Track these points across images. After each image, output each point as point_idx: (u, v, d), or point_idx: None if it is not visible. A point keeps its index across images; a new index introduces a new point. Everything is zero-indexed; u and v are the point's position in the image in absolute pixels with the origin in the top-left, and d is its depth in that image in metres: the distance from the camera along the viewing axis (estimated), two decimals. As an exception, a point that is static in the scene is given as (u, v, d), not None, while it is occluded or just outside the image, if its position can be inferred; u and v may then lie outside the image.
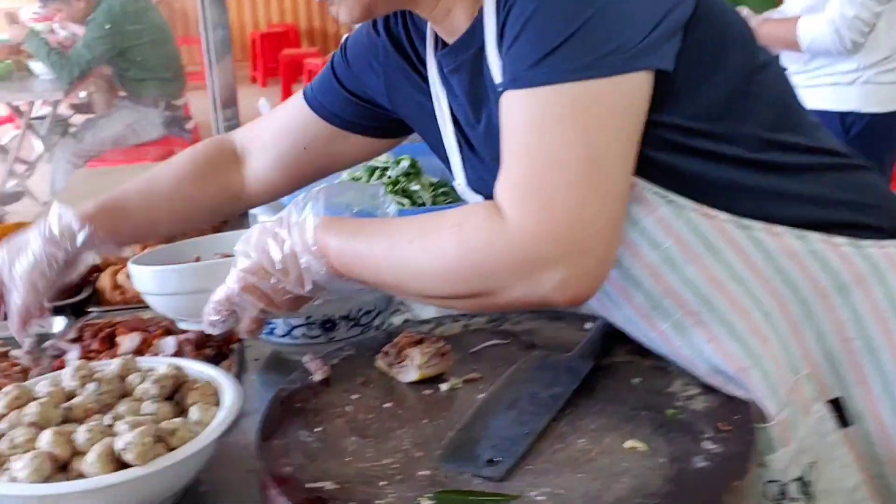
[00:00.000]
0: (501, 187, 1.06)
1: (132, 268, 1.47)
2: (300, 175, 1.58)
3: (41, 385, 1.28)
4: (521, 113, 1.06)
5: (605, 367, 1.34)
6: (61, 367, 1.55)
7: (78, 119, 7.25)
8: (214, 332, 1.29)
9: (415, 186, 1.89)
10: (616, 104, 1.03)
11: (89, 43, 5.44)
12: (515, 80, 1.07)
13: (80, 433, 1.14)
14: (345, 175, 1.99)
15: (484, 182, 1.31)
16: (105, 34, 5.41)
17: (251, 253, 1.22)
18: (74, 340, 1.62)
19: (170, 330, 1.58)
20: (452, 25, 1.25)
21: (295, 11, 11.92)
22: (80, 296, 1.87)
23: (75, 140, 5.75)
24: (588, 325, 1.47)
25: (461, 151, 1.36)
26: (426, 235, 1.10)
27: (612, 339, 1.39)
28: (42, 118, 7.02)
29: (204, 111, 7.82)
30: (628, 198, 1.09)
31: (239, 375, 1.55)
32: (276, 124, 1.59)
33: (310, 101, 1.53)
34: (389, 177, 1.90)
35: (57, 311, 1.82)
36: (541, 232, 1.00)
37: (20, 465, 1.10)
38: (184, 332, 1.58)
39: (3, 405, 1.22)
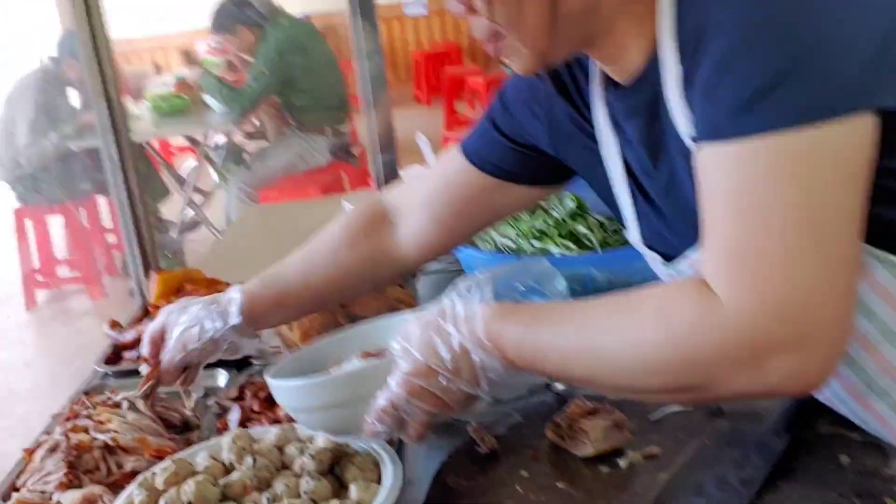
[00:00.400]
0: (709, 261, 0.91)
1: (270, 382, 1.31)
2: (458, 231, 1.49)
3: (201, 457, 1.25)
4: (726, 170, 0.90)
5: (804, 441, 1.18)
6: (224, 427, 1.54)
7: (252, 146, 7.51)
8: (382, 439, 1.18)
9: (582, 228, 1.77)
10: (841, 153, 0.87)
11: (257, 75, 5.59)
12: (716, 130, 0.91)
13: (238, 516, 1.09)
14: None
15: (663, 239, 1.18)
16: (272, 66, 5.54)
17: (414, 352, 1.09)
18: (236, 399, 1.59)
19: (330, 390, 1.53)
20: (626, 65, 1.10)
21: (457, 30, 11.98)
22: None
23: (247, 169, 5.92)
24: (782, 389, 1.31)
25: (635, 203, 1.23)
26: (623, 323, 0.96)
27: (812, 406, 1.23)
28: (217, 147, 7.31)
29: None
30: (860, 265, 0.93)
31: (400, 441, 1.48)
32: (431, 182, 1.49)
33: (469, 154, 1.42)
34: (553, 217, 1.79)
35: (221, 364, 1.81)
36: (763, 312, 0.85)
37: (178, 552, 1.06)
38: (345, 391, 1.53)
39: (161, 480, 1.19)
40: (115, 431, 1.49)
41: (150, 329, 1.53)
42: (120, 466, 1.46)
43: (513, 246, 1.78)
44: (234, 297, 1.50)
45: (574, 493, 1.15)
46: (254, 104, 5.71)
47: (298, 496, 1.15)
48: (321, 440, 1.24)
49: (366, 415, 1.14)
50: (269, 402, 1.52)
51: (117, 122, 2.15)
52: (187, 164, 8.03)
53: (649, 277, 1.63)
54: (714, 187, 0.92)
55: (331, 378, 1.24)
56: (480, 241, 1.84)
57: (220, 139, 7.08)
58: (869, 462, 1.12)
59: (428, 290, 2.22)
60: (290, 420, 1.44)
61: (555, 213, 1.81)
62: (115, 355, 1.91)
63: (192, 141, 6.96)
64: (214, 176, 7.34)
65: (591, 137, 1.25)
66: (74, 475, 1.42)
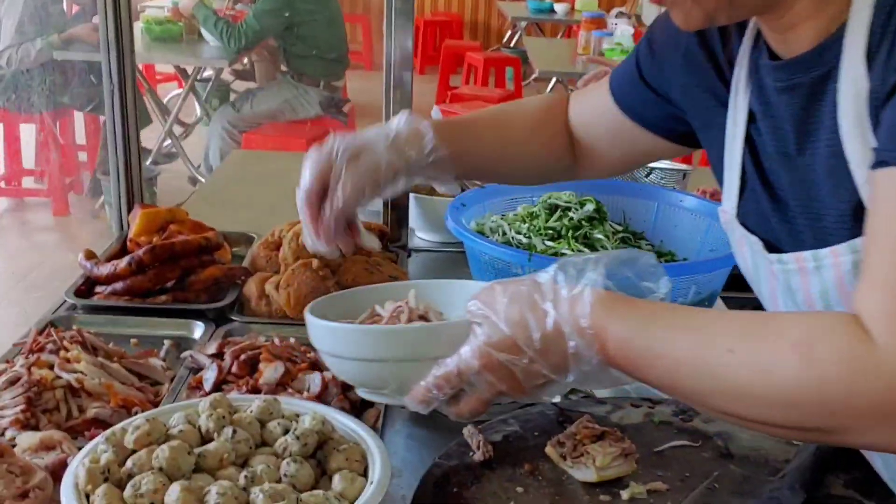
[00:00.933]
0: (867, 294, 0.84)
1: (312, 320, 1.18)
2: (611, 162, 1.47)
3: (176, 418, 1.15)
4: None
5: (817, 500, 1.12)
6: (198, 384, 1.44)
7: (239, 85, 7.33)
8: (423, 411, 1.07)
9: (598, 234, 1.69)
10: None
11: (259, 15, 5.44)
12: None
13: (213, 495, 1.00)
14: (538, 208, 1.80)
15: (767, 225, 1.13)
16: (276, 7, 5.40)
17: (500, 323, 0.98)
18: (214, 356, 1.49)
19: (316, 364, 1.44)
20: (796, 40, 1.04)
21: (461, 1, 11.83)
22: (225, 301, 1.76)
23: (233, 109, 5.77)
24: (796, 441, 1.24)
25: (743, 177, 1.16)
26: (756, 348, 0.87)
27: (827, 464, 1.17)
28: (204, 81, 7.13)
29: (359, 91, 7.82)
30: None
31: (384, 426, 1.40)
32: (588, 108, 1.45)
33: (614, 91, 1.38)
34: (571, 219, 1.71)
35: (198, 315, 1.72)
36: None
37: (143, 522, 0.97)
38: (331, 367, 1.45)
39: (133, 439, 1.09)
40: (82, 373, 1.40)
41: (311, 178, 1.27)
42: (82, 410, 1.36)
43: (525, 242, 1.69)
44: (419, 126, 1.29)
45: (571, 519, 1.08)
46: (251, 43, 5.56)
47: (279, 480, 1.06)
48: (308, 420, 1.15)
49: (421, 378, 1.03)
50: (250, 366, 1.43)
51: (123, 39, 2.02)
52: (171, 92, 7.84)
53: (670, 295, 1.56)
54: (890, 214, 0.85)
55: (392, 329, 1.13)
56: (491, 234, 1.75)
57: (208, 72, 6.91)
58: (884, 534, 1.06)
59: (419, 269, 2.14)
60: (273, 392, 1.36)
61: (573, 216, 1.73)
62: (86, 287, 1.80)
63: (180, 70, 6.78)
64: (198, 109, 7.17)
65: (721, 102, 1.20)
66: (32, 413, 1.32)
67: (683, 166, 2.08)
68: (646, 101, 1.35)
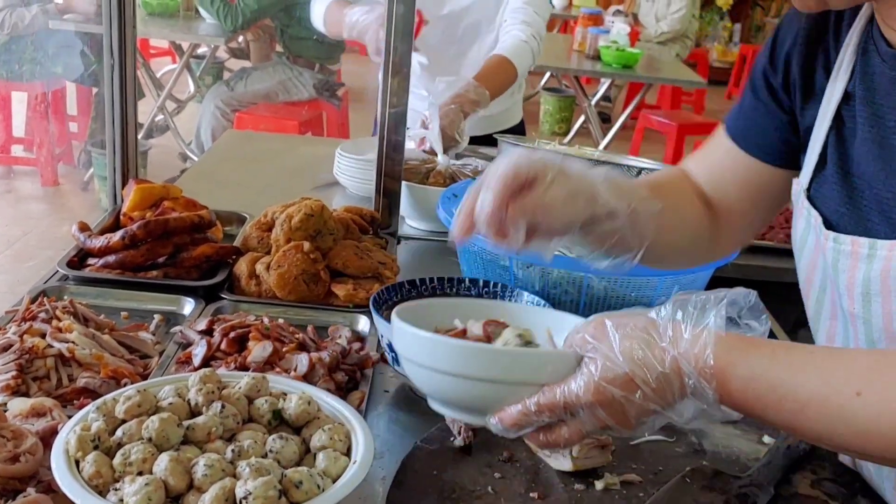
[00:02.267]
0: None
1: (402, 326, 1.13)
2: (749, 219, 1.43)
3: (166, 390, 1.18)
4: None
5: (784, 498, 1.16)
6: (187, 359, 1.47)
7: (233, 64, 7.33)
8: (511, 435, 1.04)
9: None
10: None
11: (258, -6, 5.44)
12: None
13: (200, 466, 1.03)
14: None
15: (832, 203, 1.17)
16: (277, -13, 5.40)
17: (618, 358, 0.96)
18: (204, 332, 1.52)
19: (304, 345, 1.47)
20: None
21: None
22: (215, 279, 1.78)
23: (227, 87, 5.77)
24: (767, 439, 1.29)
25: (823, 156, 1.19)
26: (883, 388, 0.88)
27: (795, 463, 1.21)
28: (199, 57, 7.11)
29: (354, 76, 7.82)
30: None
31: (367, 408, 1.43)
32: (711, 157, 1.41)
33: (729, 128, 1.36)
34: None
35: (189, 291, 1.74)
36: None
37: (132, 489, 1.00)
38: (318, 349, 1.48)
39: (123, 410, 1.12)
40: (73, 343, 1.42)
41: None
42: (72, 380, 1.39)
43: (513, 234, 1.72)
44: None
45: (545, 506, 1.11)
46: (248, 23, 5.56)
47: (264, 455, 1.09)
48: (295, 399, 1.18)
49: (510, 401, 1.01)
50: (239, 344, 1.46)
51: (125, 12, 2.03)
52: (164, 67, 7.82)
53: (646, 295, 1.60)
54: None
55: (503, 351, 1.09)
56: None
57: (203, 49, 6.90)
58: (847, 534, 1.10)
59: (408, 256, 2.17)
60: (261, 370, 1.39)
61: None
62: (78, 259, 1.82)
63: (175, 46, 6.77)
64: (191, 86, 7.16)
65: (821, 79, 1.22)
66: (22, 380, 1.35)
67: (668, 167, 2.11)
68: (763, 127, 1.32)
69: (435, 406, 1.13)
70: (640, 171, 2.09)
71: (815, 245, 1.20)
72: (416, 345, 1.10)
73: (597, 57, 6.29)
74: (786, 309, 2.60)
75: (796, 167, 1.29)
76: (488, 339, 1.14)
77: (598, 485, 1.16)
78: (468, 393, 1.06)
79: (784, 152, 1.31)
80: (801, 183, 1.24)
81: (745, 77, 10.70)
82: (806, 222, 1.22)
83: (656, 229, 1.22)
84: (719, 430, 1.31)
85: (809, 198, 1.22)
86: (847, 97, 1.16)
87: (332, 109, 5.72)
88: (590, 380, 0.97)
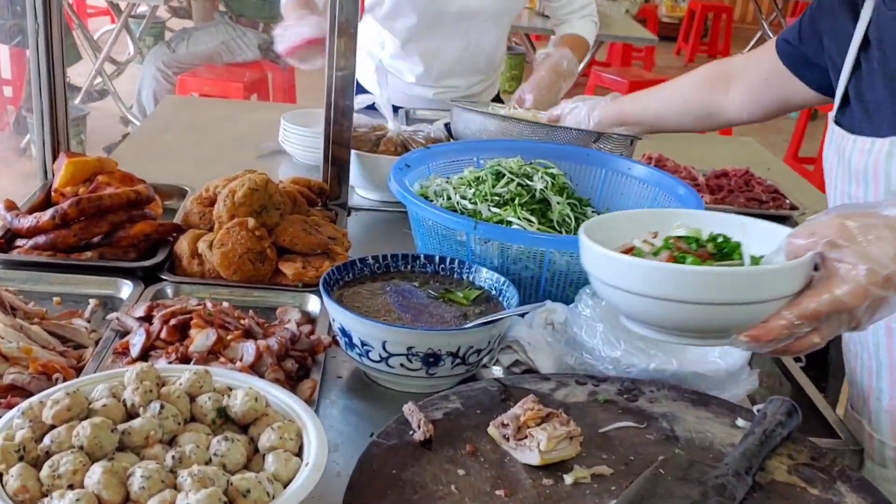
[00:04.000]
0: None
1: (606, 254, 1.10)
2: (767, 107, 1.82)
3: (99, 390, 1.09)
4: None
5: (761, 486, 1.10)
6: (124, 350, 1.37)
7: (175, 24, 7.09)
8: (761, 350, 1.06)
9: (566, 209, 1.66)
10: None
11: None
12: None
13: (137, 478, 0.94)
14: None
15: (857, 128, 1.45)
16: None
17: (881, 261, 1.00)
18: (142, 319, 1.42)
19: (250, 331, 1.38)
20: None
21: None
22: (155, 259, 1.67)
23: (168, 48, 5.58)
24: (741, 422, 1.23)
25: (846, 94, 1.48)
26: None
27: (771, 450, 1.16)
28: (138, 17, 6.88)
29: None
30: None
31: (319, 397, 1.35)
32: (755, 59, 1.82)
33: (778, 42, 1.73)
34: (519, 185, 1.66)
35: (126, 273, 1.64)
36: None
37: (61, 506, 0.91)
38: (265, 335, 1.38)
39: (52, 415, 1.02)
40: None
41: None
42: (-3, 376, 1.28)
43: (470, 208, 1.64)
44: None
45: (513, 504, 1.04)
46: (187, -20, 5.36)
47: (208, 460, 1.01)
48: (241, 395, 1.10)
49: (780, 318, 1.03)
50: (181, 332, 1.36)
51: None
52: (102, 28, 7.55)
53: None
54: None
55: (746, 272, 1.08)
56: (435, 197, 1.69)
57: (142, 8, 6.67)
58: (828, 524, 1.05)
59: (359, 229, 2.08)
60: (204, 360, 1.29)
61: (538, 185, 1.67)
62: (5, 241, 1.70)
63: (112, 5, 6.53)
64: (131, 47, 6.92)
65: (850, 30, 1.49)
66: (-57, 377, 1.24)
67: (632, 133, 2.04)
68: (809, 57, 1.65)
69: (658, 336, 1.12)
70: (598, 136, 2.02)
71: (836, 149, 1.50)
72: (630, 274, 1.08)
73: (546, 14, 6.18)
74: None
75: (822, 91, 1.67)
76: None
77: (568, 479, 1.09)
78: (710, 318, 1.06)
79: (820, 79, 1.65)
80: (832, 114, 1.54)
81: (694, 32, 10.67)
82: (832, 134, 1.52)
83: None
84: (691, 414, 1.25)
85: (837, 122, 1.51)
86: (866, 43, 1.45)
87: (277, 71, 5.56)
88: (856, 285, 1.01)
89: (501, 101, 3.07)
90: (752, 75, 1.81)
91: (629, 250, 1.15)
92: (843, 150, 1.47)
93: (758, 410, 1.24)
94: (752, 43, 9.62)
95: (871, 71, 1.45)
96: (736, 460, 1.12)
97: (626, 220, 1.26)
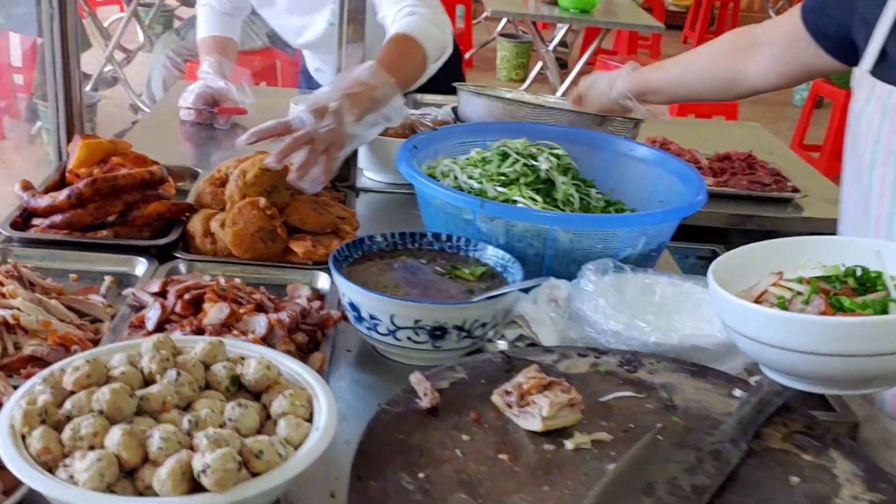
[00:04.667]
0: None
1: (736, 302, 1.12)
2: (789, 75, 1.82)
3: (117, 359, 1.13)
4: None
5: (756, 453, 1.14)
6: (140, 324, 1.41)
7: (183, 12, 7.13)
8: None
9: (570, 189, 1.70)
10: None
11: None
12: None
13: (155, 439, 0.98)
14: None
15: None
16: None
17: None
18: (157, 294, 1.46)
19: (262, 306, 1.42)
20: None
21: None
22: (169, 237, 1.72)
23: (177, 36, 5.61)
24: (738, 393, 1.26)
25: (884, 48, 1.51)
26: None
27: (767, 418, 1.19)
28: (147, 5, 6.91)
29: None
30: None
31: (329, 370, 1.39)
32: (780, 28, 1.81)
33: (804, 11, 1.72)
34: (525, 165, 1.69)
35: (141, 251, 1.68)
36: None
37: (83, 465, 0.95)
38: (276, 310, 1.42)
39: (72, 381, 1.06)
40: (18, 309, 1.36)
41: None
42: (18, 348, 1.33)
43: (476, 187, 1.68)
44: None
45: (515, 469, 1.08)
46: (197, -31, 5.38)
47: (223, 424, 1.05)
48: (253, 364, 1.14)
49: None
50: (195, 306, 1.41)
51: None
52: (112, 16, 7.59)
53: (612, 246, 1.57)
54: None
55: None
56: (442, 177, 1.73)
57: (153, -3, 6.71)
58: (820, 487, 1.08)
59: (367, 210, 2.12)
60: (217, 333, 1.33)
61: (543, 165, 1.71)
62: (22, 220, 1.74)
63: (122, -7, 6.57)
64: (140, 35, 6.96)
65: None
66: (-35, 349, 1.29)
67: (636, 116, 2.07)
68: (836, 22, 1.65)
69: (791, 382, 1.13)
70: (603, 119, 2.05)
71: (876, 107, 1.52)
72: (779, 328, 1.06)
73: (554, 2, 6.20)
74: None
75: (845, 61, 1.67)
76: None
77: (569, 444, 1.13)
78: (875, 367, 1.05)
79: (843, 48, 1.65)
80: (862, 68, 1.56)
81: (700, 20, 10.66)
82: (869, 93, 1.54)
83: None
84: (690, 385, 1.28)
85: (874, 75, 1.53)
86: None
87: (286, 58, 5.58)
88: None
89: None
90: (775, 42, 1.81)
91: (762, 295, 1.15)
92: (888, 104, 1.49)
93: (755, 382, 1.27)
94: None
95: None
96: (732, 428, 1.16)
97: (751, 256, 1.26)
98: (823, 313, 1.10)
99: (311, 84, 3.14)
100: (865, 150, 1.56)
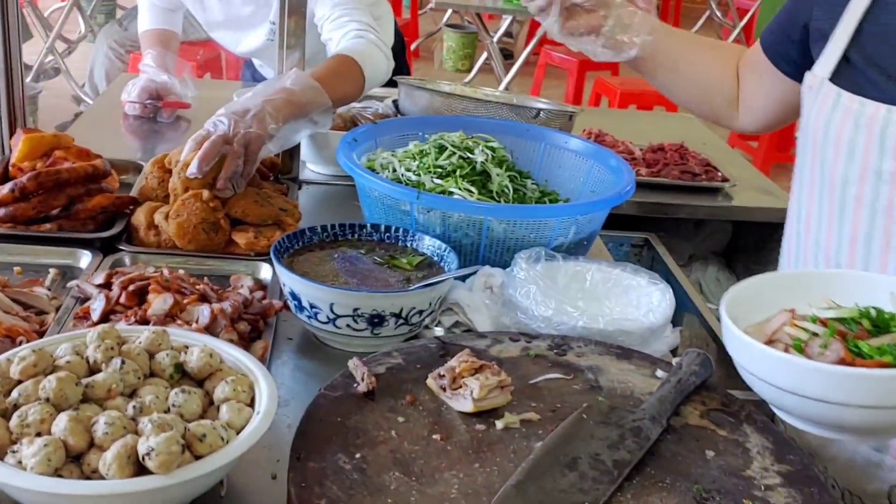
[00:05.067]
0: None
1: (750, 343, 1.10)
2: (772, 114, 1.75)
3: (63, 348, 1.16)
4: None
5: (675, 429, 1.21)
6: (85, 314, 1.45)
7: (126, 1, 7.06)
8: None
9: (505, 181, 1.76)
10: None
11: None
12: None
13: (101, 424, 1.03)
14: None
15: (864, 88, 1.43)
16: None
17: None
18: (102, 286, 1.50)
19: (205, 296, 1.46)
20: None
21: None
22: (112, 230, 1.75)
23: (119, 26, 5.57)
24: (660, 374, 1.34)
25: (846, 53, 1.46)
26: None
27: (686, 397, 1.27)
28: (89, -5, 6.84)
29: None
30: None
31: (271, 357, 1.44)
32: (750, 58, 1.75)
33: (763, 42, 1.68)
34: (462, 158, 1.75)
35: (85, 244, 1.71)
36: None
37: (31, 451, 0.99)
38: (219, 299, 1.47)
39: (18, 370, 1.10)
40: (-36, 302, 1.38)
41: None
42: (-36, 340, 1.36)
43: (413, 179, 1.73)
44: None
45: (448, 448, 1.14)
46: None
47: (167, 410, 1.09)
48: (196, 352, 1.18)
49: None
50: (139, 297, 1.44)
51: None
52: (52, 6, 7.49)
53: (544, 235, 1.63)
54: None
55: None
56: (381, 170, 1.78)
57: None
58: (733, 461, 1.16)
59: (310, 202, 2.16)
60: (161, 323, 1.37)
61: (479, 157, 1.77)
62: (-35, 213, 1.76)
63: (63, -17, 6.49)
64: (82, 25, 6.89)
65: None
66: (-89, 343, 1.31)
67: (570, 108, 2.14)
68: (789, 42, 1.61)
69: (806, 427, 1.13)
70: (538, 112, 2.12)
71: (846, 119, 1.44)
72: (799, 376, 1.06)
73: (499, -7, 6.28)
74: (680, 244, 2.69)
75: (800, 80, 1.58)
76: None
77: (499, 424, 1.19)
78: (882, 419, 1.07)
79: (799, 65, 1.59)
80: (818, 75, 1.50)
81: None
82: (835, 102, 1.47)
83: (668, 63, 1.74)
84: (615, 367, 1.36)
85: (835, 83, 1.47)
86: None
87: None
88: None
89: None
90: (746, 81, 1.75)
91: (775, 333, 1.16)
92: (861, 117, 1.41)
93: (675, 363, 1.35)
94: (699, 23, 9.78)
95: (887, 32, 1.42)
96: (652, 406, 1.23)
97: (764, 288, 1.26)
98: (842, 359, 1.09)
99: (256, 76, 3.17)
100: (837, 162, 1.48)
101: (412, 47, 8.56)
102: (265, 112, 1.80)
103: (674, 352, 1.54)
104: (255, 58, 3.01)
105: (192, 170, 1.70)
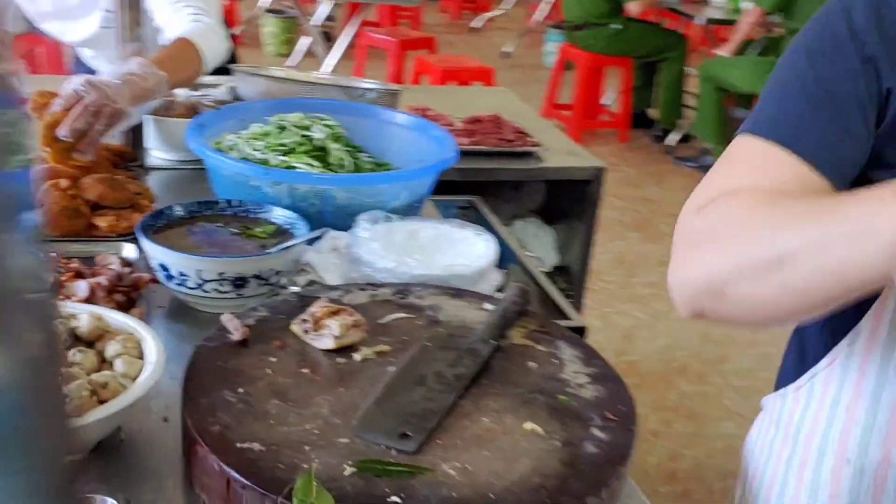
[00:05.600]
0: None
1: None
2: None
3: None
4: None
5: (503, 349, 1.47)
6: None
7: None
8: None
9: (340, 153, 1.95)
10: None
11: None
12: None
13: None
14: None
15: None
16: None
17: None
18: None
19: (81, 273, 1.61)
20: None
21: None
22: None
23: None
24: (487, 306, 1.59)
25: None
26: None
27: (510, 321, 1.52)
28: None
29: None
30: None
31: (146, 321, 1.60)
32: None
33: (805, 153, 1.08)
34: (303, 136, 1.95)
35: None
36: None
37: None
38: (94, 275, 1.62)
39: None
40: None
41: None
42: None
43: (260, 157, 1.91)
44: None
45: (316, 378, 1.35)
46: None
47: (70, 366, 1.25)
48: (85, 317, 1.34)
49: None
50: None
51: None
52: None
53: (380, 200, 1.86)
54: None
55: None
56: (228, 151, 1.96)
57: None
58: (550, 368, 1.42)
59: (159, 186, 2.30)
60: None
61: (317, 134, 1.97)
62: None
63: None
64: None
65: None
66: None
67: (395, 87, 2.36)
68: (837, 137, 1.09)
69: None
70: (364, 91, 2.33)
71: None
72: None
73: (315, -23, 6.42)
74: (502, 205, 2.98)
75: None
76: None
77: (357, 357, 1.41)
78: None
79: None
80: None
81: (457, -10, 11.13)
82: None
83: None
84: (450, 304, 1.60)
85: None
86: None
87: (51, 44, 5.50)
88: None
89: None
90: None
91: None
92: None
93: (501, 297, 1.60)
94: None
95: None
96: (483, 331, 1.48)
97: None
98: None
99: (87, 71, 3.23)
100: None
101: (235, 32, 8.58)
102: (125, 90, 1.93)
103: (501, 291, 1.80)
104: (88, 47, 3.08)
105: (63, 132, 1.84)
